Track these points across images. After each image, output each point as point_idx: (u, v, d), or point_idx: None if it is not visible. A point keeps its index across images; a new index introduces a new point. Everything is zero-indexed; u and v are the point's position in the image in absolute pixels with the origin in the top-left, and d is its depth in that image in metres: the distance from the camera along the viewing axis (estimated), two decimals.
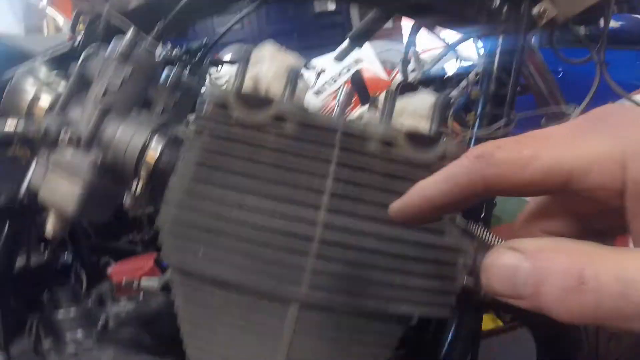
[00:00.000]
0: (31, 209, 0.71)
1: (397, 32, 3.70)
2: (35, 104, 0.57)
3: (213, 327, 0.45)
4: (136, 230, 1.20)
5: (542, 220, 0.28)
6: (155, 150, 0.56)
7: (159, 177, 0.55)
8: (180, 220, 0.44)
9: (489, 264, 0.22)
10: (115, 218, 1.22)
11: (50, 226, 0.55)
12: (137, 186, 0.55)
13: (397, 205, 0.28)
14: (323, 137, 0.45)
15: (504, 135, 0.70)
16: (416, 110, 0.81)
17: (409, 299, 0.45)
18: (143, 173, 0.55)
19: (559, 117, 0.78)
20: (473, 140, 0.72)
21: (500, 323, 1.68)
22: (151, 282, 1.01)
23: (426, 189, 0.25)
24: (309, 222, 0.43)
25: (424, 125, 0.50)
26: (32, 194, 0.70)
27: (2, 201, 0.68)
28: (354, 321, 0.44)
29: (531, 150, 0.22)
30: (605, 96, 0.64)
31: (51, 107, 0.57)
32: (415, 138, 0.46)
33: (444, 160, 0.46)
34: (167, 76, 0.71)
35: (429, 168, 0.46)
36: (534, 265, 0.20)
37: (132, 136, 0.56)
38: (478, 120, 0.73)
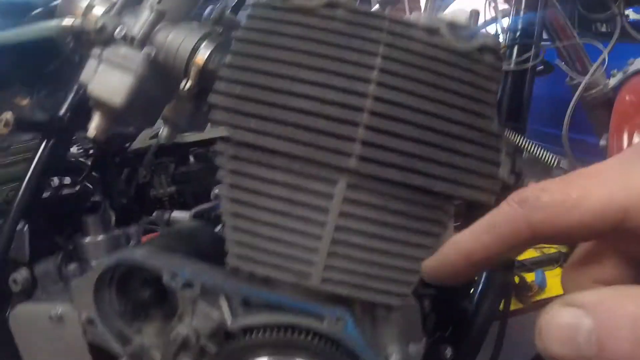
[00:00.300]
0: (70, 129, 0.73)
1: None
2: (90, 11, 0.59)
3: (259, 205, 0.46)
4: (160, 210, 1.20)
5: (593, 268, 0.25)
6: (204, 53, 0.58)
7: (206, 77, 0.57)
8: (233, 93, 0.46)
9: (544, 324, 0.19)
10: (137, 199, 1.23)
11: (94, 125, 0.56)
12: (186, 84, 0.56)
13: (431, 263, 0.25)
14: (372, 22, 0.47)
15: (534, 66, 0.71)
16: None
17: (455, 178, 0.46)
18: (192, 73, 0.56)
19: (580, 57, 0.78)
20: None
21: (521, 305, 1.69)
22: (182, 214, 1.03)
23: (463, 242, 0.23)
24: (360, 94, 0.44)
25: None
26: (72, 114, 0.72)
27: (43, 118, 0.69)
28: (402, 193, 0.45)
29: (579, 189, 0.20)
30: None
31: (106, 13, 0.58)
32: (456, 28, 0.48)
33: (483, 52, 0.48)
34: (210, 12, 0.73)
35: (469, 56, 0.47)
36: (596, 320, 0.18)
37: (183, 39, 0.58)
38: (508, 50, 0.74)
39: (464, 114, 0.46)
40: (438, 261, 0.25)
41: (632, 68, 0.75)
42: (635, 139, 0.77)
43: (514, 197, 0.22)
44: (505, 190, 0.50)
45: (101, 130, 0.58)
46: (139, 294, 0.55)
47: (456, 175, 0.46)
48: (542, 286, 1.62)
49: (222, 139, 0.46)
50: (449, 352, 0.69)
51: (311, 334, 0.48)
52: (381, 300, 0.48)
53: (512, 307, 1.56)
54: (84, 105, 0.64)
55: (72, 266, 0.75)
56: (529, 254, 1.72)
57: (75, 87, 0.69)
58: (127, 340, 0.54)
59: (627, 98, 0.75)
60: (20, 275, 0.59)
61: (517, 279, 1.51)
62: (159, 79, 0.58)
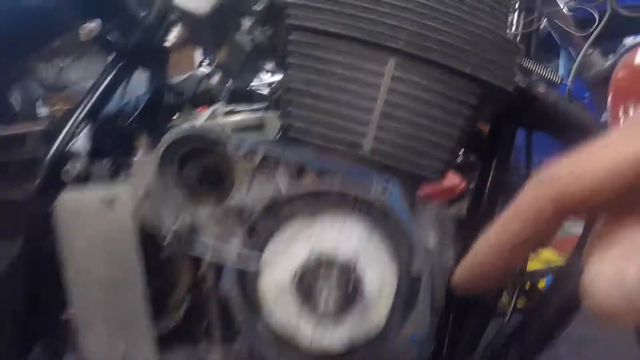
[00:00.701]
0: (138, 57, 0.80)
1: None
2: None
3: (320, 83, 0.54)
4: None
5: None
6: None
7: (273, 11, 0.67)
8: None
9: (589, 280, 0.18)
10: None
11: (175, 35, 0.65)
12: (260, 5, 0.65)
13: (462, 269, 0.23)
14: None
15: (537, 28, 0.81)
16: None
17: (482, 65, 0.54)
18: None
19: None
20: None
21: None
22: None
23: (491, 236, 0.22)
24: None
25: None
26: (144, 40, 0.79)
27: (117, 39, 0.77)
28: (439, 75, 0.54)
29: (591, 154, 0.20)
30: None
31: None
32: None
33: None
34: None
35: None
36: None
37: None
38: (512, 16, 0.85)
39: (490, 18, 0.56)
40: (468, 264, 0.23)
41: (626, 46, 0.87)
42: (631, 112, 0.86)
43: (531, 180, 0.21)
44: (519, 96, 0.59)
45: (183, 35, 0.66)
46: (194, 178, 0.61)
47: (482, 62, 0.55)
48: None
49: (291, 26, 0.55)
50: None
51: (358, 202, 0.54)
52: (421, 173, 0.54)
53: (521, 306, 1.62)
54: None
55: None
56: (535, 265, 1.79)
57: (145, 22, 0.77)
58: (178, 218, 0.58)
59: (620, 75, 0.86)
60: (74, 167, 0.64)
61: (527, 285, 1.55)
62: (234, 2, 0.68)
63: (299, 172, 0.56)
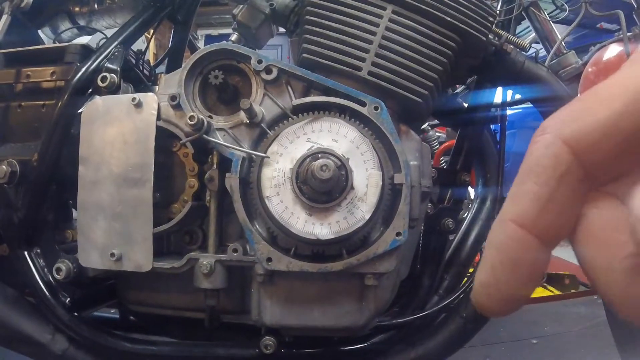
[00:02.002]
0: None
1: None
2: None
3: (330, 14, 0.64)
4: None
5: None
6: None
7: None
8: None
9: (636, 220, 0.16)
10: None
11: None
12: None
13: (483, 277, 0.18)
14: None
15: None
16: None
17: (462, 18, 0.66)
18: None
19: None
20: None
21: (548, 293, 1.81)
22: None
23: (509, 213, 0.18)
24: None
25: None
26: None
27: None
28: (429, 18, 0.64)
29: (593, 95, 0.18)
30: None
31: None
32: None
33: None
34: None
35: None
36: None
37: None
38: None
39: None
40: (489, 268, 0.18)
41: (597, 46, 0.98)
42: None
43: (536, 134, 0.18)
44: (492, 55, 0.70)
45: None
46: (214, 94, 0.69)
47: (463, 15, 0.66)
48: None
49: None
50: (451, 223, 0.82)
51: (354, 115, 0.63)
52: (411, 95, 0.64)
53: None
54: None
55: None
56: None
57: None
58: (197, 118, 0.65)
59: (590, 70, 0.97)
60: (110, 76, 0.71)
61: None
62: None
63: (307, 89, 0.65)
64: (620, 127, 0.17)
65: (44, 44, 0.94)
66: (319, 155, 0.58)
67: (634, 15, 0.96)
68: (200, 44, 4.01)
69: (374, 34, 0.64)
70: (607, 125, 0.17)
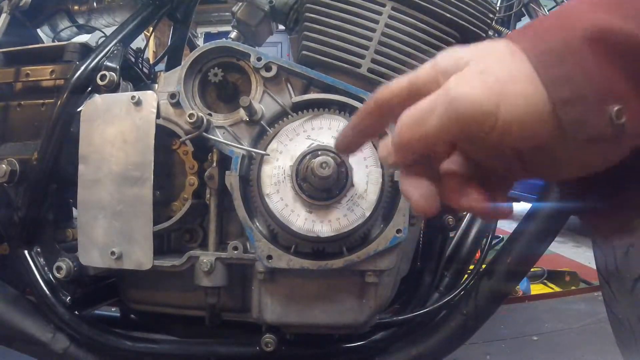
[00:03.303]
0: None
1: None
2: None
3: (330, 13, 0.64)
4: None
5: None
6: None
7: None
8: None
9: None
10: None
11: None
12: None
13: (337, 139, 0.38)
14: None
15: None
16: None
17: (462, 14, 0.65)
18: None
19: None
20: None
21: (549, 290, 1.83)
22: None
23: (351, 123, 0.36)
24: None
25: None
26: None
27: None
28: (427, 15, 0.64)
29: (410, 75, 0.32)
30: None
31: None
32: None
33: None
34: None
35: None
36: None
37: None
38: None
39: None
40: (340, 135, 0.36)
41: None
42: None
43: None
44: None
45: None
46: (213, 92, 0.69)
47: (463, 12, 0.65)
48: (526, 292, 1.83)
49: None
50: (451, 220, 0.82)
51: (354, 112, 0.63)
52: None
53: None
54: None
55: None
56: None
57: None
58: (197, 116, 0.65)
59: None
60: (109, 74, 0.71)
61: None
62: None
63: (307, 87, 0.65)
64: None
65: (43, 42, 0.95)
66: (319, 153, 0.58)
67: None
68: (200, 41, 4.00)
69: (373, 30, 0.64)
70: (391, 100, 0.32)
